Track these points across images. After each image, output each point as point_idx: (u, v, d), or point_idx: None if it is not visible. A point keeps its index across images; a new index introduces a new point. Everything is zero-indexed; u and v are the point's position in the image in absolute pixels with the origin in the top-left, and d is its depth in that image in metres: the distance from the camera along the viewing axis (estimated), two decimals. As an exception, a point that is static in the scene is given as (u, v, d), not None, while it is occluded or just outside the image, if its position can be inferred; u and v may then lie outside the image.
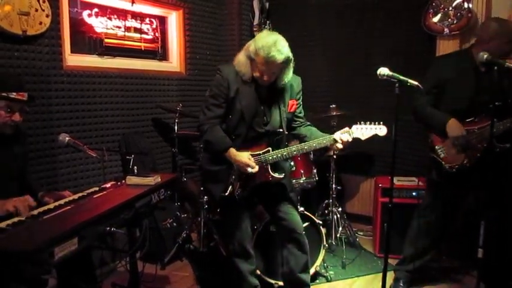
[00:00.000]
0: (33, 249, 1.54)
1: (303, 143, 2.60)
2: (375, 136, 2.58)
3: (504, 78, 2.67)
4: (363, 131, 2.56)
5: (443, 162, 2.87)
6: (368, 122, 2.58)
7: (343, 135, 2.53)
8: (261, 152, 2.57)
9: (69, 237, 1.74)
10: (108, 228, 2.03)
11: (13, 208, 1.94)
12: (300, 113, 2.78)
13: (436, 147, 2.91)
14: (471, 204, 3.10)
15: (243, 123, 2.57)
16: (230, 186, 2.59)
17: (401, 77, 2.26)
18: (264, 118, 2.61)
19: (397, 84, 2.27)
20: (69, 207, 2.09)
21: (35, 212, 2.02)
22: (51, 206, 2.13)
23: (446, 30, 3.77)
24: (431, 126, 2.96)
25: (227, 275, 3.41)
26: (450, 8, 3.76)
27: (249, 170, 2.49)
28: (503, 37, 2.70)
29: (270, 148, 2.58)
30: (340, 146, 2.53)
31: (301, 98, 2.75)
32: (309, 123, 2.82)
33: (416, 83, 2.25)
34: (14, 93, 2.20)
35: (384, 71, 2.31)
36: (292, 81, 2.64)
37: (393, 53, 4.26)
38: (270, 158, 2.56)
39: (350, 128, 2.58)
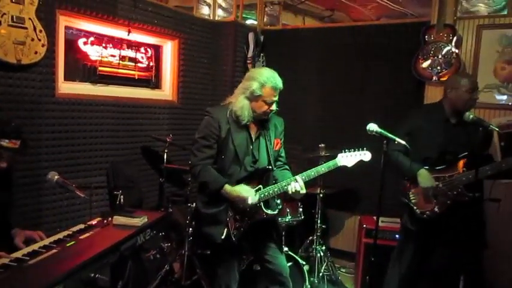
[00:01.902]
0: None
1: (279, 183, 2.61)
2: (361, 162, 2.59)
3: (474, 130, 2.80)
4: (348, 158, 2.59)
5: (414, 208, 2.96)
6: (352, 149, 2.61)
7: (295, 186, 2.53)
8: (253, 190, 2.60)
9: (54, 287, 1.75)
10: (92, 275, 2.04)
11: None
12: (281, 153, 2.84)
13: (408, 192, 3.00)
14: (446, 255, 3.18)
15: (236, 162, 2.63)
16: (226, 228, 2.60)
17: (390, 135, 2.33)
18: (253, 157, 2.67)
19: (384, 141, 2.33)
20: (55, 250, 2.09)
21: (20, 254, 2.01)
22: (36, 247, 2.13)
23: (434, 77, 3.87)
24: (402, 174, 3.04)
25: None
26: (440, 56, 3.86)
27: (250, 201, 2.53)
28: (462, 86, 2.86)
29: (260, 186, 2.62)
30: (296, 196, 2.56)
31: (283, 139, 2.82)
32: (286, 166, 2.86)
33: (403, 142, 2.31)
34: (7, 141, 2.21)
35: (372, 127, 2.38)
36: (276, 121, 2.77)
37: (384, 93, 4.36)
38: (262, 195, 2.60)
39: (336, 157, 2.62)
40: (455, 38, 3.80)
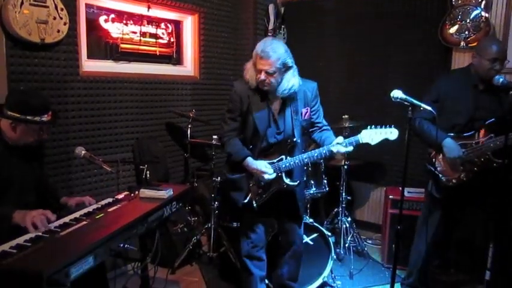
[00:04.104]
0: (51, 271, 1.60)
1: (313, 150, 2.65)
2: (386, 141, 2.54)
3: (502, 96, 2.72)
4: (372, 136, 2.55)
5: (440, 175, 2.90)
6: (379, 126, 2.56)
7: (339, 148, 2.55)
8: (275, 161, 2.67)
9: (85, 255, 1.81)
10: (121, 245, 2.10)
11: (31, 226, 2.00)
12: (318, 118, 2.82)
13: (434, 160, 2.95)
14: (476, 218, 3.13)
15: (257, 135, 2.69)
16: (249, 194, 2.73)
17: (415, 101, 2.27)
18: (277, 128, 2.70)
19: (410, 108, 2.27)
20: (84, 222, 2.15)
21: (52, 226, 2.08)
22: (67, 219, 2.19)
23: (462, 43, 3.73)
24: (428, 143, 2.98)
25: (236, 281, 3.49)
26: (468, 20, 3.72)
27: (266, 176, 2.61)
28: (486, 54, 2.76)
29: (283, 156, 2.67)
30: (339, 156, 2.58)
31: (317, 104, 2.80)
32: (326, 128, 2.85)
33: (429, 108, 2.25)
34: (45, 116, 2.30)
35: (397, 93, 2.31)
36: (306, 88, 2.71)
37: (409, 63, 4.24)
38: (283, 166, 2.65)
39: (360, 133, 2.59)
40: (484, 1, 3.64)
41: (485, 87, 2.83)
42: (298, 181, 2.73)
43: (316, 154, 2.61)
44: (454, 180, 2.85)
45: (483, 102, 2.82)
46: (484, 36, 3.61)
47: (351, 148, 2.56)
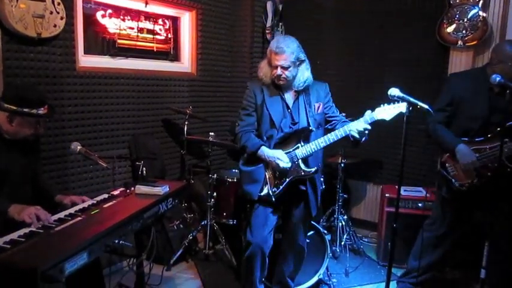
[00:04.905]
0: (46, 267, 1.59)
1: (329, 134, 2.66)
2: (400, 115, 2.46)
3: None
4: (387, 111, 2.54)
5: (453, 180, 2.89)
6: (392, 103, 2.49)
7: (357, 126, 2.56)
8: (291, 150, 2.70)
9: (80, 251, 1.80)
10: (117, 241, 2.09)
11: (29, 220, 1.99)
12: (334, 112, 2.88)
13: (447, 164, 2.92)
14: (477, 219, 3.12)
15: (273, 126, 2.74)
16: (266, 185, 2.73)
17: (412, 99, 2.25)
18: (292, 119, 2.76)
19: (407, 106, 2.27)
20: (79, 218, 2.14)
21: (47, 221, 2.07)
22: (62, 215, 2.19)
23: (460, 42, 3.74)
24: (441, 147, 2.97)
25: (232, 278, 3.49)
26: (465, 20, 3.72)
27: (282, 164, 2.62)
28: (509, 60, 2.69)
29: (299, 145, 2.70)
30: (356, 134, 2.56)
31: (330, 101, 2.86)
32: (345, 119, 2.83)
33: (426, 106, 2.24)
34: (42, 109, 2.30)
35: (394, 91, 2.31)
36: (317, 87, 2.82)
37: (406, 61, 4.25)
38: (300, 153, 2.68)
39: (372, 111, 2.58)
40: (482, 0, 3.64)
41: (501, 89, 2.74)
42: (315, 167, 2.73)
43: (332, 137, 2.63)
44: (467, 185, 2.84)
45: (499, 105, 2.75)
46: (482, 36, 3.61)
47: (368, 126, 2.55)
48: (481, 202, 2.89)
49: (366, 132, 2.57)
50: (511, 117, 2.65)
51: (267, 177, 2.74)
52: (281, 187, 2.71)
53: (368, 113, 2.59)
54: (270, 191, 2.71)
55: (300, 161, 2.69)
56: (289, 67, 2.63)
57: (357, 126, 2.56)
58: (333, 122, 2.86)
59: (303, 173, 2.71)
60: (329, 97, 2.86)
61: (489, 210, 2.87)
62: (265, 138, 2.75)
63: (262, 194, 2.73)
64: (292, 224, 2.89)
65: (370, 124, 2.56)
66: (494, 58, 2.81)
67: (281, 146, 2.73)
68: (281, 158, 2.63)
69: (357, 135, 2.56)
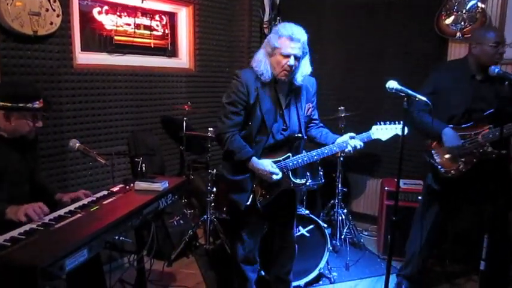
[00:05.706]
0: (46, 264, 1.59)
1: (323, 147, 2.55)
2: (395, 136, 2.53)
3: (498, 86, 2.72)
4: (383, 131, 2.54)
5: (439, 167, 2.90)
6: (387, 122, 2.55)
7: (356, 143, 2.51)
8: (281, 159, 2.54)
9: (80, 248, 1.80)
10: (117, 238, 2.09)
11: (24, 218, 1.99)
12: (315, 115, 2.74)
13: (433, 151, 2.94)
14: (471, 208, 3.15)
15: (264, 130, 2.50)
16: (251, 195, 2.55)
17: (410, 92, 2.25)
18: (283, 124, 2.56)
19: (405, 99, 2.26)
20: (79, 214, 2.14)
21: (47, 219, 2.07)
22: (62, 212, 2.18)
23: (458, 33, 3.73)
24: (426, 133, 2.98)
25: (233, 273, 3.49)
26: (464, 11, 3.71)
27: (274, 177, 2.46)
28: (487, 40, 2.76)
29: (290, 154, 2.55)
30: (350, 149, 2.51)
31: (315, 101, 2.70)
32: (321, 124, 2.79)
33: (424, 98, 2.24)
34: (37, 103, 2.28)
35: (392, 84, 2.30)
36: (307, 83, 2.60)
37: (405, 54, 4.24)
38: (291, 164, 2.53)
39: (369, 130, 2.57)
40: (480, -9, 3.64)
41: (483, 78, 2.82)
42: (305, 179, 2.62)
43: (326, 151, 2.52)
44: (452, 172, 2.85)
45: (481, 92, 2.81)
46: (478, 27, 3.60)
47: (362, 144, 2.53)
48: (468, 190, 2.91)
49: (358, 148, 2.52)
50: (492, 105, 2.74)
51: (254, 186, 2.55)
52: (268, 197, 2.56)
53: (364, 134, 2.57)
54: (258, 202, 2.55)
55: (289, 172, 2.55)
56: (300, 57, 2.42)
57: (356, 143, 2.50)
58: (312, 125, 2.72)
59: (292, 185, 2.58)
60: (315, 97, 2.68)
61: (476, 197, 2.89)
62: (253, 144, 2.51)
63: (249, 203, 2.54)
64: (281, 223, 2.83)
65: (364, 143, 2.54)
66: (473, 42, 2.87)
67: (270, 152, 2.54)
68: (273, 171, 2.46)
69: (350, 150, 2.50)
